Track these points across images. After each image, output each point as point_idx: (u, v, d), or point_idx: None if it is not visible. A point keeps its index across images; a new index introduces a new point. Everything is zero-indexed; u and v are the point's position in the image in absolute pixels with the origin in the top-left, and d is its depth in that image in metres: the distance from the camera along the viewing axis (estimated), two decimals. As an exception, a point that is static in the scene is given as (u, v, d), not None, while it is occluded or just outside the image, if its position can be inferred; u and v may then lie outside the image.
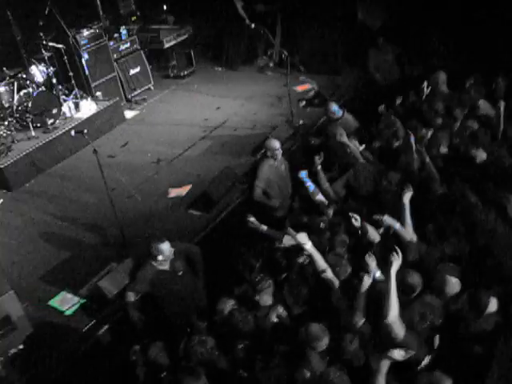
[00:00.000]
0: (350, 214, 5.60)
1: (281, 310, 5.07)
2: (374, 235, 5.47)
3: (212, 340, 4.61)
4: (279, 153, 7.56)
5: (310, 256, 5.12)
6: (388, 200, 6.15)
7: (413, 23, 10.78)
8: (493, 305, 4.41)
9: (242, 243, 6.35)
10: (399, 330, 4.27)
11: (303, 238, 5.11)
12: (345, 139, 7.33)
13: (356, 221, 5.54)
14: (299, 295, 5.09)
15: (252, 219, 6.18)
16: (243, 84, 12.50)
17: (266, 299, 5.21)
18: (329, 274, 5.02)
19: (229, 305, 5.14)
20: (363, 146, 7.66)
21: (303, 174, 6.68)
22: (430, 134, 7.17)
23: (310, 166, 7.58)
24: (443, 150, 6.97)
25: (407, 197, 5.52)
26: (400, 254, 4.46)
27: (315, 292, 5.12)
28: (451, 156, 6.84)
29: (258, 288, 5.13)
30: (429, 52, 10.40)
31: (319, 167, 6.87)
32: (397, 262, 4.42)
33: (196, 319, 5.24)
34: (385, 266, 4.55)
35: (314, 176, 6.82)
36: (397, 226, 5.44)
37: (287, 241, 5.83)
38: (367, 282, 4.58)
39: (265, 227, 6.17)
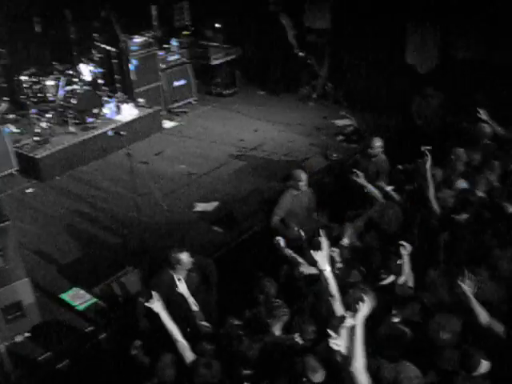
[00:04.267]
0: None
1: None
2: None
3: (218, 364, 4.54)
4: (303, 185, 7.52)
5: (325, 281, 4.98)
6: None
7: (461, 73, 10.80)
8: (483, 366, 4.22)
9: (259, 267, 6.31)
10: (364, 381, 4.05)
11: (324, 261, 4.97)
12: (362, 181, 7.25)
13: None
14: (307, 330, 5.00)
15: (281, 241, 6.09)
16: (284, 111, 12.53)
17: (278, 327, 5.13)
18: (337, 303, 4.88)
19: (234, 327, 5.09)
20: (391, 186, 7.59)
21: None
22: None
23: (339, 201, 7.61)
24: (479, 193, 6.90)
25: None
26: (369, 303, 4.23)
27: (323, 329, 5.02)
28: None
29: (274, 313, 5.04)
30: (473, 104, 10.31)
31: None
32: (364, 310, 4.15)
33: (203, 341, 5.15)
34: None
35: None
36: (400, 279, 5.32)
37: (306, 269, 5.79)
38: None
39: (290, 251, 6.07)
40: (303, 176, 7.55)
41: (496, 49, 10.61)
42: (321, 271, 4.87)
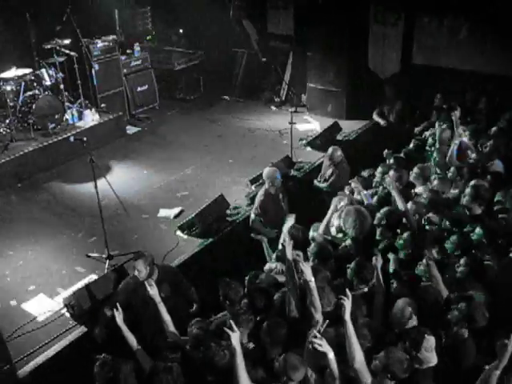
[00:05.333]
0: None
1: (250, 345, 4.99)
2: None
3: (178, 367, 4.51)
4: (278, 181, 7.60)
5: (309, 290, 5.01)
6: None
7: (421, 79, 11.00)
8: (429, 341, 4.42)
9: (225, 273, 6.27)
10: (367, 375, 4.24)
11: (309, 273, 5.01)
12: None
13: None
14: (278, 336, 4.98)
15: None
16: (247, 115, 12.58)
17: (243, 334, 5.10)
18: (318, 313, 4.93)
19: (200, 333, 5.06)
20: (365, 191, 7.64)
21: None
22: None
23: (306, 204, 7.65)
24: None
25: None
26: (350, 297, 4.41)
27: (294, 334, 5.03)
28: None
29: (240, 320, 5.03)
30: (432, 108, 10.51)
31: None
32: (348, 305, 4.35)
33: (169, 349, 5.10)
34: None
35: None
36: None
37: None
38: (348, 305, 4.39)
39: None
40: (276, 173, 7.64)
41: (459, 55, 10.89)
42: (306, 282, 4.94)
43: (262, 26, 13.49)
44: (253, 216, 7.83)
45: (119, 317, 5.04)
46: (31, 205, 9.00)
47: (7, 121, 10.18)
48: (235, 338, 4.27)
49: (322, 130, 11.18)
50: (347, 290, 4.54)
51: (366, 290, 5.47)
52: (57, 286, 6.97)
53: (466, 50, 10.83)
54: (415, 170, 7.42)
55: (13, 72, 10.36)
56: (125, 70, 12.24)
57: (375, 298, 5.28)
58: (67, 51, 10.91)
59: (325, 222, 6.77)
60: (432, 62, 11.28)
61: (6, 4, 10.94)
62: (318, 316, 4.86)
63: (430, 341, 4.43)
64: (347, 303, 4.34)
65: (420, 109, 10.89)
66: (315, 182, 8.82)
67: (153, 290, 5.32)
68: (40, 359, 5.91)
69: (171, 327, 5.25)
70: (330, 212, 6.81)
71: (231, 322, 4.44)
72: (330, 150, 8.60)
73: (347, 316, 4.31)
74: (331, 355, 4.23)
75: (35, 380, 5.75)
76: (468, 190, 6.65)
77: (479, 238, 5.96)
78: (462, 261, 5.50)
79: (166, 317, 5.26)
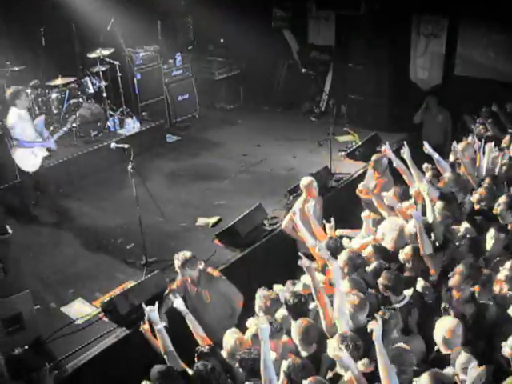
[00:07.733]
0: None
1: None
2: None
3: (219, 365, 4.57)
4: (316, 192, 7.56)
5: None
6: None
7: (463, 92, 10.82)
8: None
9: (260, 282, 6.23)
10: None
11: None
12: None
13: None
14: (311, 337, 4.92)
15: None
16: (287, 126, 12.56)
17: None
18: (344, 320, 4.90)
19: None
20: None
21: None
22: None
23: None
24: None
25: None
26: (380, 320, 4.36)
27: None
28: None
29: (280, 330, 5.01)
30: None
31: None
32: (377, 328, 4.28)
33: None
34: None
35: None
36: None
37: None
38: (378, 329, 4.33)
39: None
40: (315, 183, 7.61)
41: (503, 67, 10.70)
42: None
43: (302, 36, 13.50)
44: (286, 219, 7.74)
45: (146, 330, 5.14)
46: (72, 210, 9.17)
47: (51, 127, 10.40)
48: (265, 331, 4.29)
49: (362, 141, 11.08)
50: (375, 314, 4.56)
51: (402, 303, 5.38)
52: (95, 291, 7.06)
53: (510, 61, 10.64)
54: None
55: (58, 80, 10.61)
56: (166, 79, 12.42)
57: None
58: (110, 60, 11.13)
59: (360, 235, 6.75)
60: (475, 74, 11.09)
61: (52, 15, 11.19)
62: (344, 324, 4.82)
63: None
64: (377, 326, 4.30)
65: (462, 121, 10.74)
66: (358, 192, 8.74)
67: (176, 302, 5.39)
68: (77, 362, 5.97)
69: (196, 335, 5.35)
70: (364, 228, 6.79)
71: (262, 314, 4.45)
72: (374, 157, 8.49)
73: (378, 337, 4.25)
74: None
75: (72, 383, 5.81)
76: (503, 199, 6.52)
77: None
78: None
79: (196, 328, 5.36)
